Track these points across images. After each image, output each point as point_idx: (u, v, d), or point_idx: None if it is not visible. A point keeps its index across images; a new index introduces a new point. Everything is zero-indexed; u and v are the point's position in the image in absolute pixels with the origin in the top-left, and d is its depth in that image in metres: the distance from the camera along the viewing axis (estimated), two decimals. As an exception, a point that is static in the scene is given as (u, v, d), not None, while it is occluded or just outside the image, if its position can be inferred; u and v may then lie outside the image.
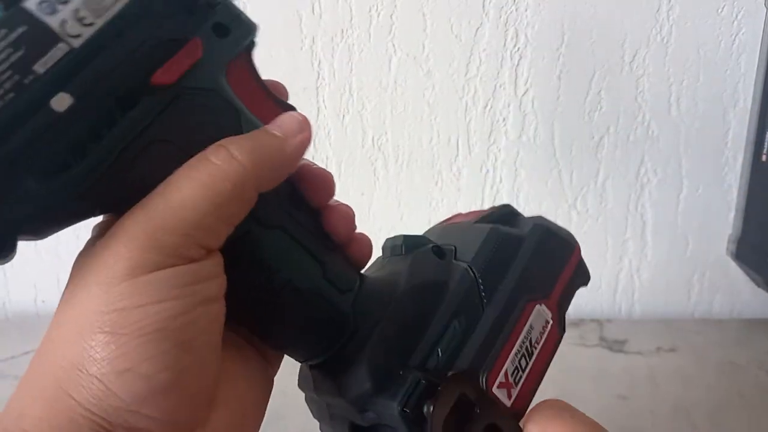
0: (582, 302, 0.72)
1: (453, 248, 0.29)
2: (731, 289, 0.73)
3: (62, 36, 0.20)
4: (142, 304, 0.21)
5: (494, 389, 0.26)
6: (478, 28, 0.65)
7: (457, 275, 0.28)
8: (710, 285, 0.72)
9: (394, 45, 0.65)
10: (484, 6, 0.64)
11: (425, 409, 0.24)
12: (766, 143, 0.63)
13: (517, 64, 0.66)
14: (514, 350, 0.27)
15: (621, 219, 0.70)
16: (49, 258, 0.69)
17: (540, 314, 0.29)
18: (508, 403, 0.26)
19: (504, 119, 0.67)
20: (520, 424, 0.26)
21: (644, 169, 0.69)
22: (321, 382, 0.27)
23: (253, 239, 0.24)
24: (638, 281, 0.72)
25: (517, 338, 0.27)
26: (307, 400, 0.30)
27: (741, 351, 0.62)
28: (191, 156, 0.22)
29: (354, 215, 0.28)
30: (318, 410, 0.29)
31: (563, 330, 0.30)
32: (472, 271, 0.28)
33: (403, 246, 0.29)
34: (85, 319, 0.21)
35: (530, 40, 0.65)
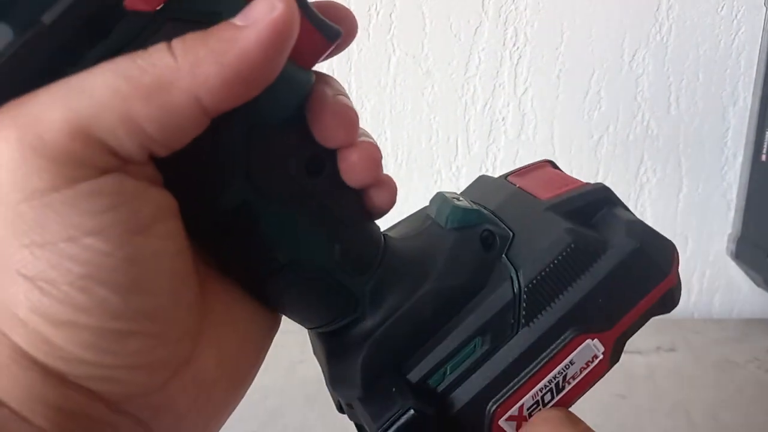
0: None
1: (510, 236, 0.24)
2: (731, 288, 0.73)
3: None
4: (49, 242, 0.16)
5: (501, 422, 0.22)
6: (477, 27, 0.65)
7: (499, 283, 0.22)
8: (710, 284, 0.72)
9: (393, 44, 0.65)
10: (483, 5, 0.64)
11: None
12: (765, 142, 0.63)
13: (517, 63, 0.66)
14: (540, 385, 0.22)
15: (620, 218, 0.70)
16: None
17: (588, 349, 0.22)
18: None
19: (503, 118, 0.67)
20: None
21: (644, 168, 0.69)
22: (318, 351, 0.24)
23: (251, 212, 0.20)
24: (638, 280, 0.72)
25: (548, 373, 0.22)
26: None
27: (740, 350, 0.62)
28: None
29: (380, 155, 0.22)
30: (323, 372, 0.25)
31: (615, 361, 0.23)
32: (518, 283, 0.22)
33: (449, 219, 0.23)
34: (1, 253, 0.16)
35: (529, 39, 0.65)
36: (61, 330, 0.16)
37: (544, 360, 0.22)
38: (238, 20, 0.17)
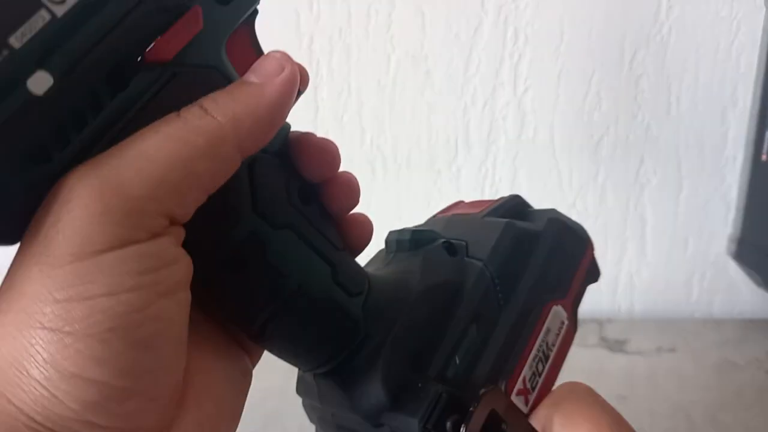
0: (582, 302, 0.72)
1: (464, 244, 0.27)
2: (731, 289, 0.72)
3: (43, 1, 0.16)
4: (90, 296, 0.17)
5: (513, 397, 0.24)
6: (477, 27, 0.65)
7: (473, 275, 0.25)
8: (710, 285, 0.72)
9: (392, 44, 0.65)
10: (483, 5, 0.64)
11: (448, 425, 0.22)
12: (765, 143, 0.63)
13: (517, 64, 0.66)
14: (532, 354, 0.26)
15: (621, 219, 0.70)
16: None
17: (557, 315, 0.27)
18: (525, 410, 0.25)
19: (503, 118, 0.67)
20: (540, 406, 0.24)
21: (644, 169, 0.69)
22: (328, 393, 0.25)
23: (259, 240, 0.21)
24: (638, 281, 0.72)
25: (535, 342, 0.26)
26: (305, 406, 0.28)
27: (741, 351, 0.62)
28: None
29: (358, 185, 0.25)
30: (320, 419, 0.27)
31: (576, 328, 0.29)
32: (488, 271, 0.26)
33: (410, 241, 0.27)
34: (24, 310, 0.17)
35: (530, 39, 0.65)
36: (70, 384, 0.17)
37: (529, 330, 0.26)
38: (254, 78, 0.20)
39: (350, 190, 0.25)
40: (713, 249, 0.71)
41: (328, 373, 0.25)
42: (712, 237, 0.70)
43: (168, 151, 0.18)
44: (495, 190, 0.69)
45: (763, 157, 0.63)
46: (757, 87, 0.65)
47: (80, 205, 0.17)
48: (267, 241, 0.22)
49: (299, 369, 0.26)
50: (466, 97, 0.67)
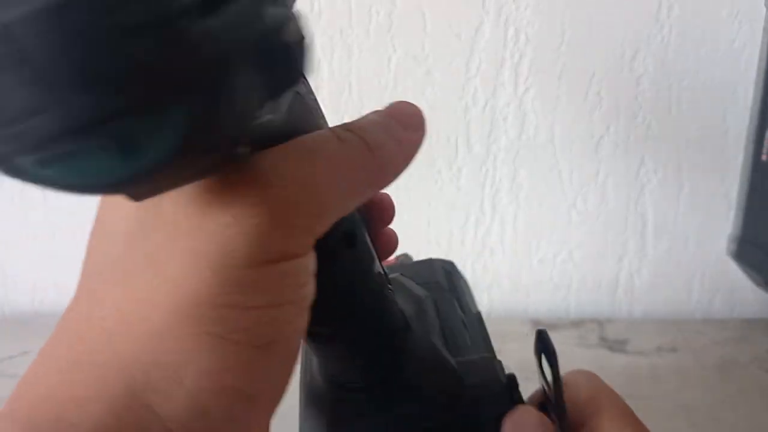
0: (582, 302, 0.72)
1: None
2: (732, 289, 0.72)
3: None
4: (256, 306, 0.16)
5: None
6: (477, 27, 0.65)
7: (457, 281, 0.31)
8: (710, 284, 0.72)
9: (393, 44, 0.65)
10: (483, 5, 0.64)
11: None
12: (766, 142, 0.63)
13: (518, 63, 0.66)
14: None
15: (621, 218, 0.70)
16: (47, 258, 0.69)
17: None
18: None
19: (504, 118, 0.67)
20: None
21: (644, 168, 0.69)
22: (370, 402, 0.24)
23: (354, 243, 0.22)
24: (638, 281, 0.72)
25: None
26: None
27: (742, 350, 0.62)
28: None
29: (393, 205, 0.27)
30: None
31: None
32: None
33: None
34: (183, 308, 0.16)
35: (530, 39, 0.65)
36: (222, 397, 0.16)
37: None
38: (401, 132, 0.20)
39: (388, 212, 0.26)
40: (714, 249, 0.71)
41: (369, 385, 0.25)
42: (712, 237, 0.71)
43: (347, 178, 0.18)
44: (495, 190, 0.69)
45: (764, 157, 0.63)
46: (758, 87, 0.65)
47: (262, 212, 0.16)
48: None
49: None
50: (466, 97, 0.67)
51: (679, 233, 0.71)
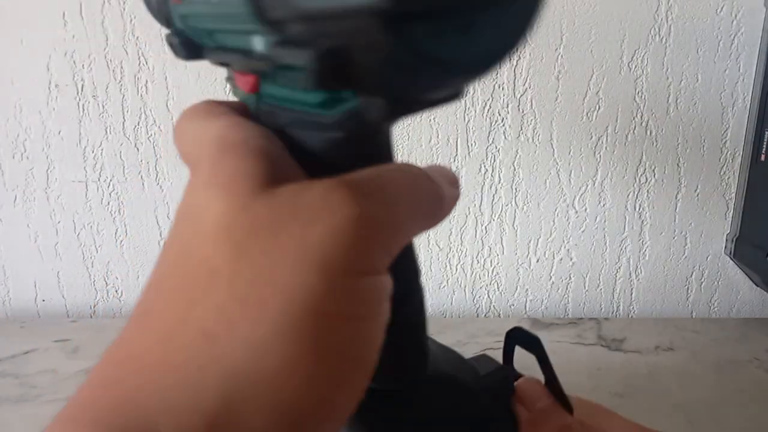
0: (580, 301, 0.72)
1: None
2: (729, 288, 0.73)
3: None
4: (359, 317, 0.17)
5: None
6: (477, 28, 0.65)
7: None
8: (708, 284, 0.73)
9: (393, 45, 0.65)
10: (483, 6, 0.64)
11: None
12: (764, 143, 0.63)
13: (516, 65, 0.66)
14: None
15: (619, 218, 0.70)
16: (50, 258, 0.69)
17: None
18: None
19: (503, 119, 0.67)
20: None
21: (642, 168, 0.69)
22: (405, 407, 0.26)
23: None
24: (636, 280, 0.72)
25: None
26: None
27: (739, 349, 0.62)
28: None
29: None
30: None
31: None
32: None
33: None
34: (292, 314, 0.15)
35: (529, 40, 0.65)
36: (314, 406, 0.16)
37: None
38: (449, 186, 0.21)
39: None
40: (712, 248, 0.71)
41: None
42: (710, 236, 0.71)
43: (422, 212, 0.19)
44: (494, 191, 0.69)
45: (762, 157, 0.63)
46: (757, 87, 0.65)
47: (358, 227, 0.16)
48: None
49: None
50: (465, 98, 0.67)
51: (677, 233, 0.71)
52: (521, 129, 0.68)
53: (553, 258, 0.71)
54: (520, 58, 0.66)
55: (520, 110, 0.67)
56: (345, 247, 0.16)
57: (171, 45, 0.21)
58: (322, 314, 0.16)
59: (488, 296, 0.72)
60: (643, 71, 0.66)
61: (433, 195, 0.20)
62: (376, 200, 0.17)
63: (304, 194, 0.16)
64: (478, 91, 0.67)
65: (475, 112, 0.67)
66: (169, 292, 0.17)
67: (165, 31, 0.22)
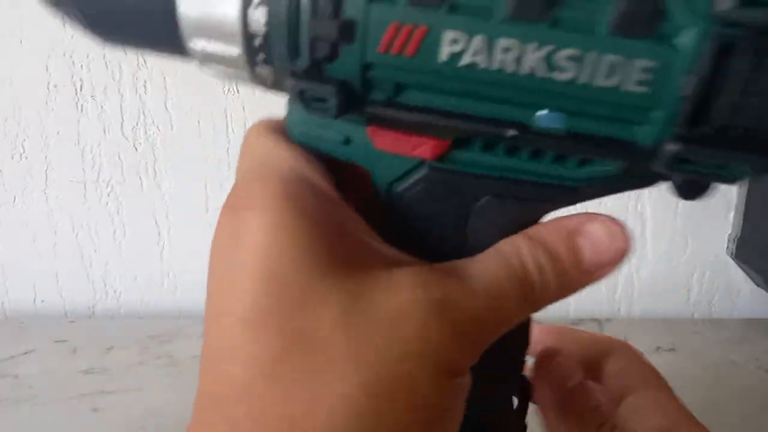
0: (582, 302, 0.72)
1: None
2: (731, 289, 0.73)
3: None
4: (431, 421, 0.17)
5: None
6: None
7: None
8: (710, 284, 0.72)
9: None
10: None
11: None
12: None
13: (517, 64, 0.66)
14: None
15: (620, 218, 0.70)
16: (49, 258, 0.69)
17: None
18: None
19: (503, 119, 0.67)
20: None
21: (643, 168, 0.69)
22: None
23: None
24: (638, 281, 0.72)
25: None
26: None
27: (741, 350, 0.62)
28: None
29: None
30: None
31: None
32: None
33: None
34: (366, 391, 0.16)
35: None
36: None
37: None
38: (589, 257, 0.20)
39: None
40: (713, 249, 0.71)
41: None
42: (711, 237, 0.71)
43: (516, 308, 0.18)
44: (495, 190, 0.69)
45: (763, 157, 0.63)
46: (757, 87, 0.65)
47: (448, 328, 0.16)
48: None
49: None
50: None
51: (678, 233, 0.71)
52: (522, 129, 0.67)
53: (554, 258, 0.71)
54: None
55: (521, 110, 0.67)
56: (441, 351, 0.16)
57: (312, 99, 0.17)
58: (409, 408, 0.16)
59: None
60: (643, 71, 0.66)
61: (540, 302, 0.19)
62: (484, 302, 0.17)
63: (419, 291, 0.16)
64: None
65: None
66: (239, 388, 0.16)
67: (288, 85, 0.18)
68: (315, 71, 0.17)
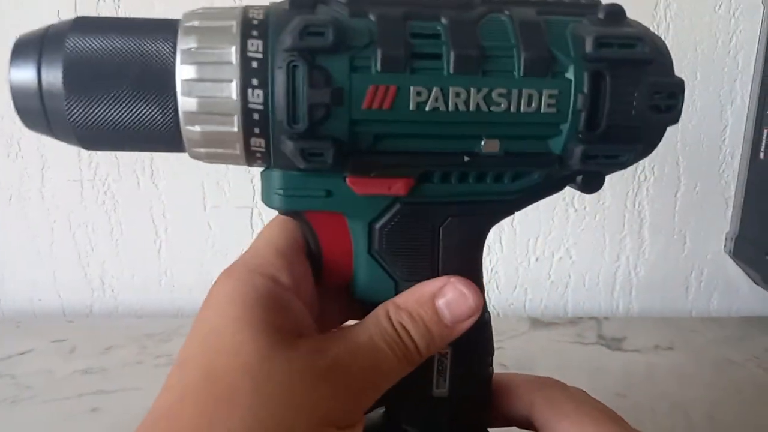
0: (580, 300, 0.72)
1: None
2: (729, 287, 0.73)
3: None
4: None
5: None
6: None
7: None
8: (708, 282, 0.72)
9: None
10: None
11: None
12: (763, 141, 0.63)
13: (515, 62, 0.66)
14: None
15: (619, 217, 0.70)
16: (46, 257, 0.69)
17: None
18: None
19: (501, 117, 0.67)
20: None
21: (642, 166, 0.69)
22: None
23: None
24: (636, 279, 0.72)
25: None
26: None
27: (739, 348, 0.62)
28: None
29: None
30: None
31: None
32: None
33: None
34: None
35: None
36: None
37: None
38: (447, 316, 0.25)
39: None
40: (711, 247, 0.71)
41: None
42: (709, 235, 0.71)
43: (393, 368, 0.23)
44: (493, 189, 0.69)
45: (761, 155, 0.63)
46: (755, 85, 0.65)
47: (333, 389, 0.21)
48: None
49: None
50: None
51: (677, 231, 0.71)
52: (520, 127, 0.67)
53: (553, 257, 0.71)
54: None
55: (519, 108, 0.67)
56: (329, 409, 0.21)
57: (311, 155, 0.22)
58: None
59: (487, 295, 0.71)
60: (642, 69, 0.66)
61: (415, 362, 0.24)
62: (359, 377, 0.22)
63: (315, 359, 0.22)
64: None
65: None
66: (194, 406, 0.21)
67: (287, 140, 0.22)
68: (311, 132, 0.22)
